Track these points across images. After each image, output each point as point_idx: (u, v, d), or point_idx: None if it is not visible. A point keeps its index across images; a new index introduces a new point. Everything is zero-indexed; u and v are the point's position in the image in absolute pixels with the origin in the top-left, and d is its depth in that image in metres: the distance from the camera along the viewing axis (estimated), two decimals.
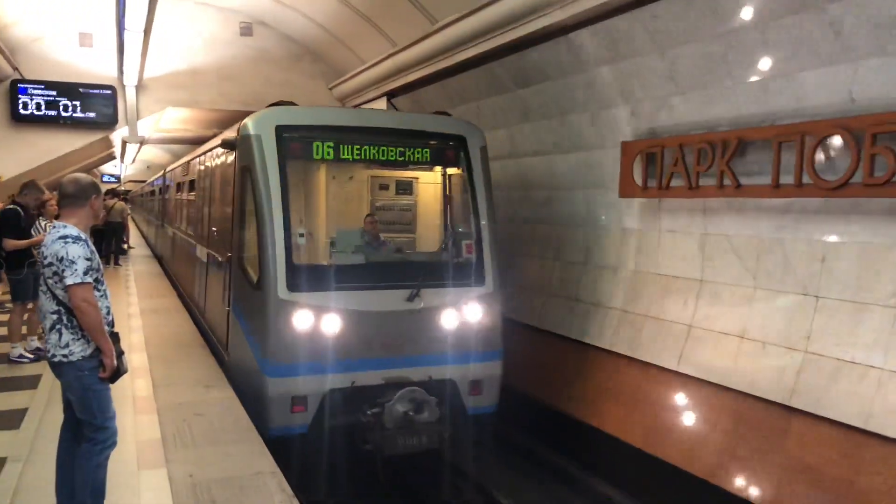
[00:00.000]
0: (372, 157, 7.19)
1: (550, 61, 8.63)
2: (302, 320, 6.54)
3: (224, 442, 5.74)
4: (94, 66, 15.27)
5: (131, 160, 29.20)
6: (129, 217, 24.63)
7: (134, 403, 6.68)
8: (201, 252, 10.09)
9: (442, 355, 7.01)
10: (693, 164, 7.21)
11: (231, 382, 7.40)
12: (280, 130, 6.86)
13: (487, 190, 7.57)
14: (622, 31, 7.38)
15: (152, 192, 24.65)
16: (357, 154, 7.09)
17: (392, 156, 7.21)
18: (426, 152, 7.39)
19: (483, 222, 7.46)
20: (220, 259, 8.34)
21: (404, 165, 7.78)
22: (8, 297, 8.98)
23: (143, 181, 36.54)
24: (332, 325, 6.62)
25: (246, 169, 7.00)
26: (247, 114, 7.46)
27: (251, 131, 6.88)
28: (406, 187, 8.58)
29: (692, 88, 7.14)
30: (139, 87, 15.58)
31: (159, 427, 6.03)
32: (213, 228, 9.11)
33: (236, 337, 7.41)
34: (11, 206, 8.43)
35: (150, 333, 9.69)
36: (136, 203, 37.96)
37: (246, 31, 15.88)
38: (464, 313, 7.13)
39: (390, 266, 7.61)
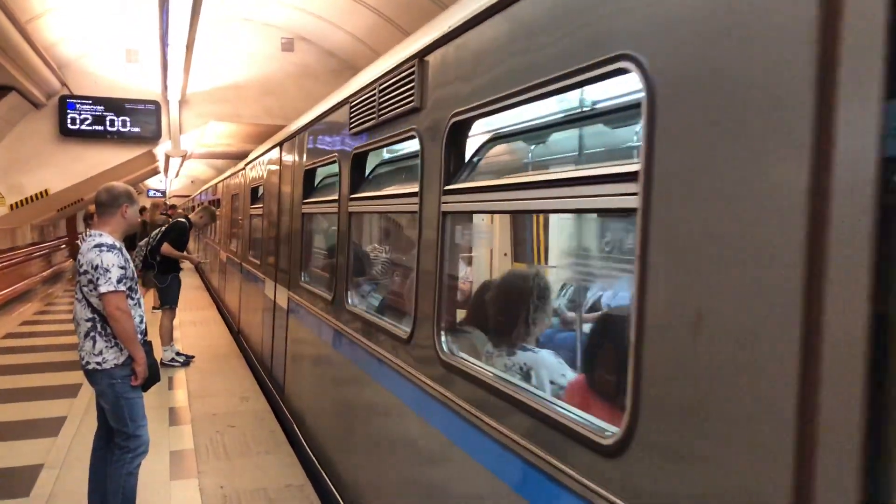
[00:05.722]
0: None
1: None
2: None
3: (256, 454, 5.71)
4: (139, 81, 15.66)
5: (175, 174, 29.77)
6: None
7: (169, 414, 6.71)
8: None
9: None
10: None
11: None
12: None
13: None
14: None
15: None
16: None
17: None
18: None
19: None
20: None
21: None
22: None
23: (187, 196, 37.21)
24: None
25: None
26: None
27: None
28: None
29: None
30: (182, 102, 15.89)
31: (192, 438, 6.04)
32: None
33: None
34: (183, 219, 9.22)
35: (189, 345, 9.76)
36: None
37: (287, 46, 16.10)
38: None
39: None
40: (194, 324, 11.74)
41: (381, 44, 14.20)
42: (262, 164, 8.67)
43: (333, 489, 4.48)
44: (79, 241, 9.00)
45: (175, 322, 11.46)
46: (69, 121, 15.08)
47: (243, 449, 5.82)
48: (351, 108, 4.24)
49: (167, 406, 6.92)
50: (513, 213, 4.37)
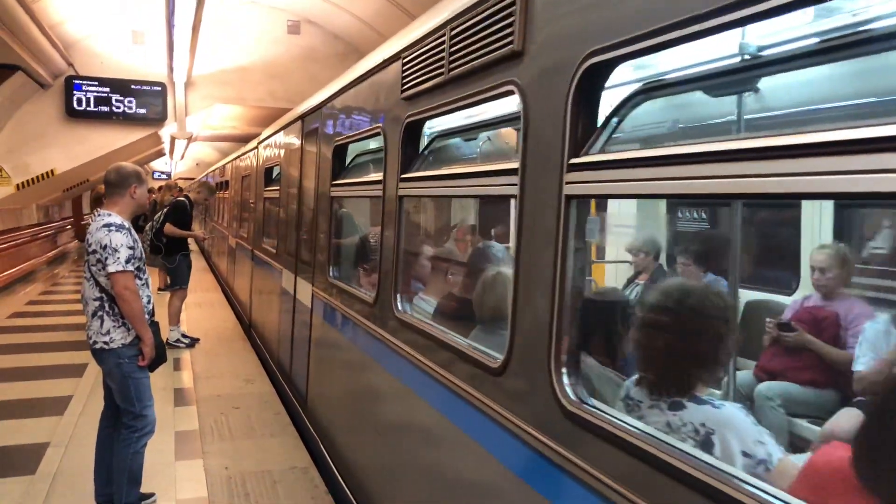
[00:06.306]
0: None
1: None
2: None
3: (260, 435, 5.75)
4: (145, 62, 15.61)
5: (180, 157, 29.73)
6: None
7: (175, 394, 6.75)
8: None
9: None
10: None
11: None
12: None
13: None
14: None
15: None
16: None
17: None
18: None
19: None
20: None
21: None
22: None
23: (192, 178, 37.15)
24: None
25: None
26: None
27: None
28: None
29: None
30: (188, 84, 15.85)
31: (197, 419, 6.08)
32: None
33: None
34: (182, 198, 9.22)
35: (194, 327, 9.80)
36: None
37: (293, 29, 16.02)
38: None
39: None
40: (199, 306, 11.77)
41: (388, 27, 14.14)
42: (280, 142, 7.94)
43: None
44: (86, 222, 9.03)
45: None
46: (75, 101, 15.05)
47: (248, 431, 5.86)
48: (404, 65, 3.46)
49: (172, 387, 6.96)
50: (708, 197, 3.34)
